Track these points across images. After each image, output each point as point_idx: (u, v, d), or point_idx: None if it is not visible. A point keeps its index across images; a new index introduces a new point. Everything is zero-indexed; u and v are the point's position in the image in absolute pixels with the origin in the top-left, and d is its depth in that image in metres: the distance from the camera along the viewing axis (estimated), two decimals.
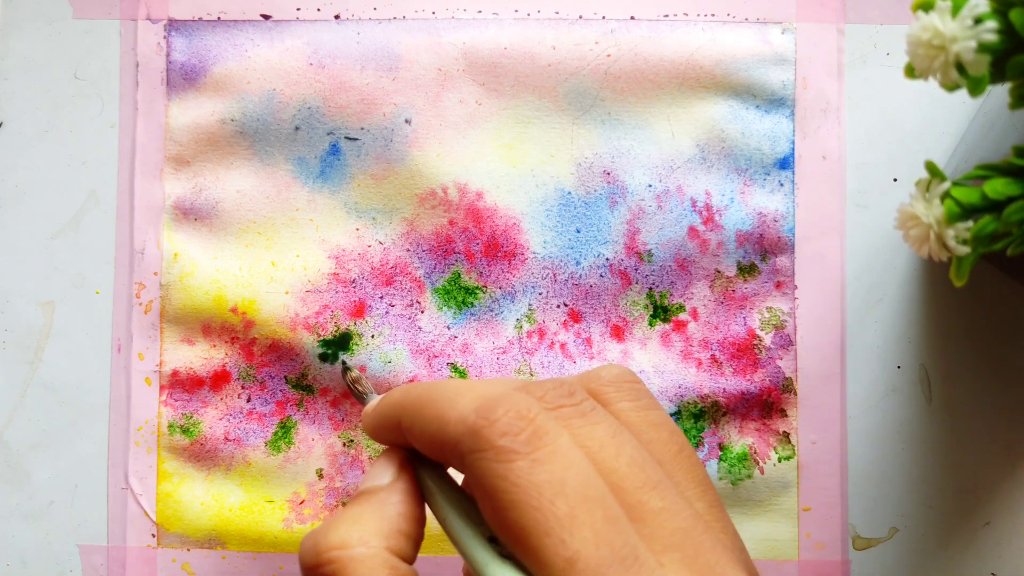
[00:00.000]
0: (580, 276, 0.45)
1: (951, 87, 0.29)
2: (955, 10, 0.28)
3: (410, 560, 0.28)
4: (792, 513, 0.45)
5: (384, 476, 0.29)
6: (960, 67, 0.29)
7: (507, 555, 0.26)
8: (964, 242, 0.30)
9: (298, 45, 0.46)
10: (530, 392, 0.27)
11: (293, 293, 0.45)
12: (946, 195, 0.30)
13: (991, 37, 0.28)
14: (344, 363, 0.45)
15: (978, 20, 0.28)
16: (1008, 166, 0.30)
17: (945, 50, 0.29)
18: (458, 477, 0.29)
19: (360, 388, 0.38)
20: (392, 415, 0.29)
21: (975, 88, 0.29)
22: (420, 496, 0.29)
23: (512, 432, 0.25)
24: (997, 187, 0.30)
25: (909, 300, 0.45)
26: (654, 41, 0.45)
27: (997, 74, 0.29)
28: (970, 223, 0.30)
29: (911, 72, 0.31)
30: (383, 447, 0.39)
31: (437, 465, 0.30)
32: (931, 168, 0.31)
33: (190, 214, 0.46)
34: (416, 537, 0.28)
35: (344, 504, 0.29)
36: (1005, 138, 0.37)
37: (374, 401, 0.32)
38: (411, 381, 0.45)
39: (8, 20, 0.46)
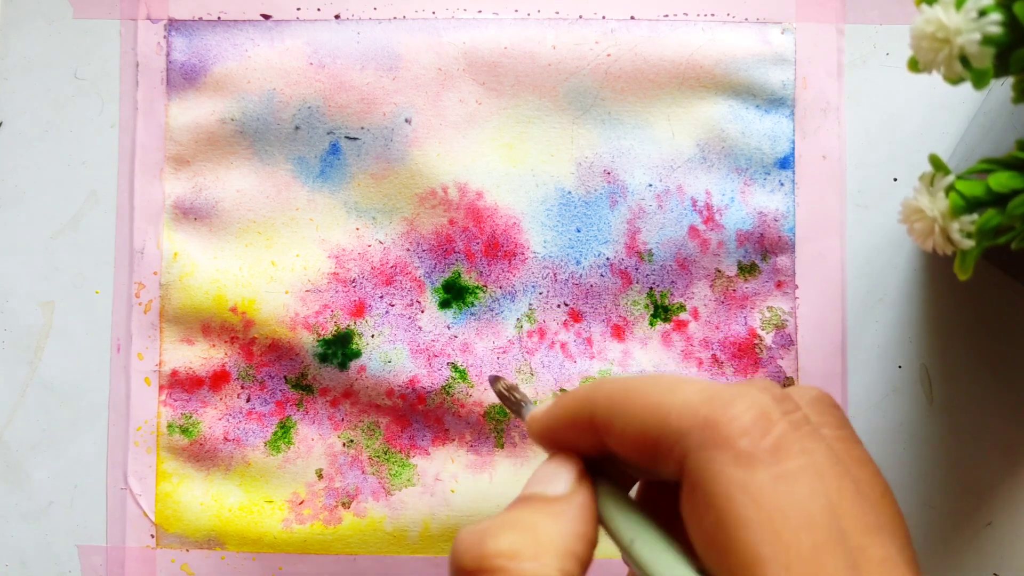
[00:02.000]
0: (580, 276, 0.45)
1: (955, 80, 0.29)
2: (959, 3, 0.29)
3: None
4: None
5: (559, 484, 0.25)
6: (964, 60, 0.29)
7: None
8: (968, 235, 0.30)
9: (298, 45, 0.46)
10: (758, 389, 0.23)
11: (293, 293, 0.45)
12: (951, 188, 0.30)
13: (995, 30, 0.28)
14: (494, 376, 0.42)
15: (982, 13, 0.28)
16: (1012, 160, 0.30)
17: (949, 43, 0.29)
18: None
19: (517, 396, 0.34)
20: (582, 411, 0.26)
21: (979, 81, 0.29)
22: (596, 513, 0.26)
23: (754, 434, 0.21)
24: (1001, 180, 0.30)
25: (910, 300, 0.45)
26: (654, 41, 0.45)
27: (1001, 67, 0.29)
28: (975, 216, 0.30)
29: (915, 66, 0.31)
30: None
31: (617, 481, 0.26)
32: (935, 161, 0.31)
33: (190, 214, 0.46)
34: (587, 563, 0.24)
35: (509, 507, 0.26)
36: (1006, 136, 0.37)
37: (546, 403, 0.29)
38: (411, 381, 0.45)
39: (8, 20, 0.46)
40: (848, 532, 0.21)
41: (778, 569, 0.20)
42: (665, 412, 0.23)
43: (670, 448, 0.23)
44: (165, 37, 0.46)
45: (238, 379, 0.45)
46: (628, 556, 0.25)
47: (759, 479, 0.21)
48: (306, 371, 0.45)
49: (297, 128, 0.45)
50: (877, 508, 0.23)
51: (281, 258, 0.45)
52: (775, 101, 0.45)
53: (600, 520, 0.26)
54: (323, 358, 0.45)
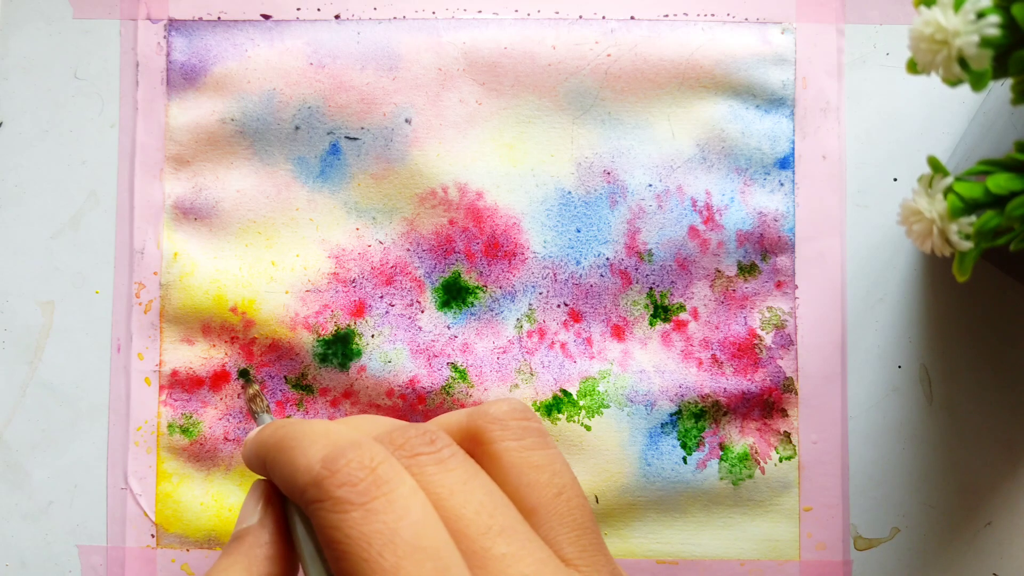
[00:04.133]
0: (580, 276, 0.45)
1: (953, 82, 0.29)
2: (957, 5, 0.28)
3: None
4: (793, 513, 0.45)
5: (253, 515, 0.29)
6: (962, 62, 0.29)
7: None
8: (967, 237, 0.30)
9: (298, 45, 0.46)
10: (392, 439, 0.27)
11: (293, 293, 0.45)
12: (949, 190, 0.30)
13: (993, 32, 0.28)
14: (247, 373, 0.44)
15: (980, 15, 0.28)
16: (1011, 161, 0.30)
17: (948, 45, 0.29)
18: None
19: (255, 407, 0.37)
20: (258, 454, 0.29)
21: (977, 83, 0.29)
22: (287, 533, 0.29)
23: (350, 482, 0.25)
24: (1000, 182, 0.30)
25: (910, 300, 0.45)
26: (654, 41, 0.45)
27: (999, 69, 0.29)
28: (973, 218, 0.30)
29: (913, 67, 0.31)
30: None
31: None
32: (934, 163, 0.31)
33: (190, 214, 0.46)
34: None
35: (223, 548, 0.30)
36: (1005, 137, 0.37)
37: (255, 431, 0.32)
38: (411, 381, 0.45)
39: (8, 20, 0.46)
40: (470, 537, 0.25)
41: None
42: (295, 470, 0.26)
43: (300, 501, 0.26)
44: (165, 37, 0.46)
45: (238, 379, 0.45)
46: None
47: (351, 517, 0.24)
48: (306, 371, 0.45)
49: (297, 128, 0.45)
50: (544, 509, 0.27)
51: (281, 258, 0.46)
52: (775, 101, 0.45)
53: (291, 535, 0.29)
54: (323, 358, 0.45)
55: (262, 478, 0.31)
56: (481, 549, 0.25)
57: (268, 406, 0.37)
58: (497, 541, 0.25)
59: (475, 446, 0.29)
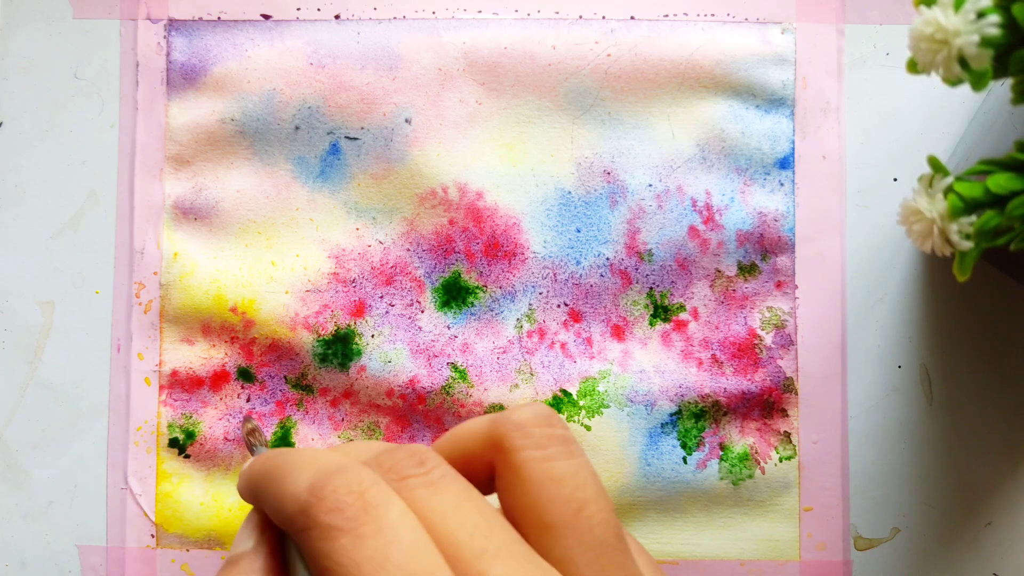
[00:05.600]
0: (580, 276, 0.45)
1: (953, 82, 0.29)
2: (958, 5, 0.28)
3: None
4: (793, 513, 0.45)
5: (248, 540, 0.28)
6: (963, 62, 0.29)
7: None
8: (967, 237, 0.30)
9: (298, 45, 0.46)
10: (380, 463, 0.26)
11: (293, 293, 0.45)
12: (949, 190, 0.30)
13: (994, 31, 0.28)
14: (247, 416, 0.44)
15: (981, 14, 0.28)
16: (1011, 161, 0.30)
17: (948, 44, 0.29)
18: None
19: (253, 441, 0.36)
20: (249, 485, 0.29)
21: (978, 82, 0.29)
22: (282, 560, 0.28)
23: (338, 508, 0.24)
24: (1000, 182, 0.30)
25: (910, 300, 0.45)
26: (654, 41, 0.45)
27: (1000, 68, 0.29)
28: (973, 218, 0.30)
29: (913, 67, 0.31)
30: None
31: None
32: (934, 163, 0.31)
33: (190, 214, 0.46)
34: None
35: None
36: (1005, 137, 0.37)
37: (248, 463, 0.31)
38: (411, 381, 0.45)
39: (8, 20, 0.46)
40: (464, 560, 0.24)
41: None
42: (283, 499, 0.26)
43: (290, 530, 0.25)
44: (165, 37, 0.46)
45: (238, 379, 0.45)
46: None
47: (340, 545, 0.24)
48: (306, 371, 0.45)
49: (297, 128, 0.45)
50: (561, 527, 0.26)
51: (281, 258, 0.46)
52: (775, 101, 0.45)
53: (287, 563, 0.28)
54: (323, 358, 0.45)
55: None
56: (477, 573, 0.24)
57: (266, 440, 0.37)
58: (493, 564, 0.24)
59: (497, 454, 0.28)
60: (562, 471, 0.27)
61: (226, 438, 0.45)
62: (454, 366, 0.45)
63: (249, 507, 0.38)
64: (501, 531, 0.25)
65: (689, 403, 0.45)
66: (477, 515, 0.25)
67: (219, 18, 0.46)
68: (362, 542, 0.24)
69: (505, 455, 0.27)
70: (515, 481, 0.27)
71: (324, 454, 0.27)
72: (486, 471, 0.28)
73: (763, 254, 0.45)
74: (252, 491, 0.29)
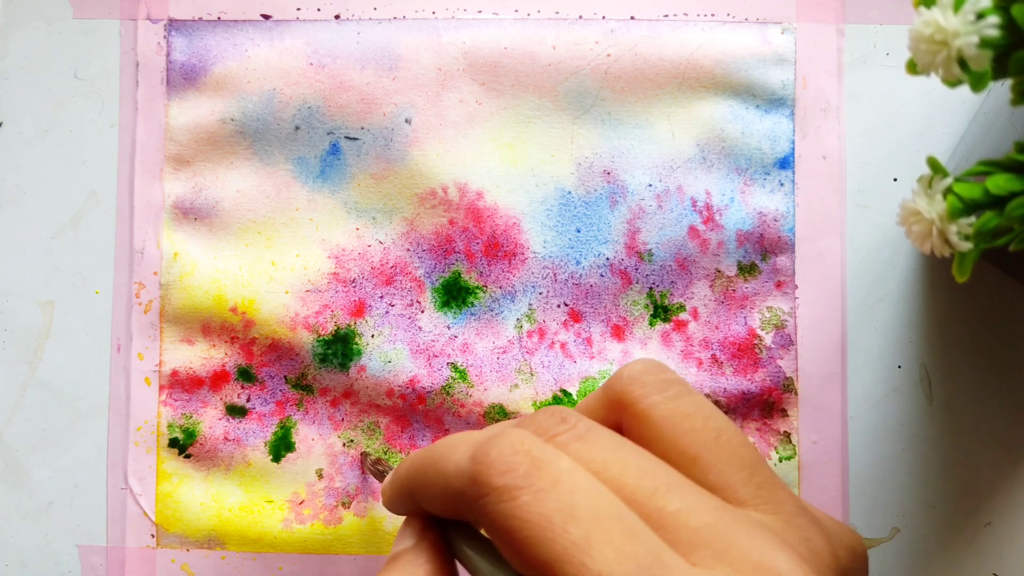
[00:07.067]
0: (580, 276, 0.45)
1: (953, 83, 0.29)
2: (957, 5, 0.28)
3: None
4: None
5: (408, 540, 0.29)
6: (962, 63, 0.29)
7: None
8: (966, 238, 0.30)
9: (298, 45, 0.46)
10: (523, 426, 0.26)
11: (293, 293, 0.45)
12: (948, 191, 0.30)
13: (993, 32, 0.28)
14: (365, 452, 0.44)
15: (980, 15, 0.28)
16: (1010, 162, 0.30)
17: (947, 45, 0.29)
18: None
19: (381, 468, 0.37)
20: (403, 487, 0.29)
21: (977, 84, 0.29)
22: (447, 555, 0.28)
23: (509, 469, 0.24)
24: (999, 183, 0.29)
25: (909, 300, 0.45)
26: (654, 41, 0.45)
27: (999, 70, 0.29)
28: (972, 219, 0.30)
29: (913, 68, 0.31)
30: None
31: (463, 523, 0.29)
32: (933, 164, 0.31)
33: (190, 214, 0.46)
34: None
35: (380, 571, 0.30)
36: (1005, 137, 0.37)
37: (390, 475, 0.31)
38: (411, 381, 0.45)
39: (8, 20, 0.46)
40: (639, 502, 0.24)
41: (561, 564, 0.23)
42: (446, 479, 0.26)
43: (461, 506, 0.25)
44: (165, 37, 0.46)
45: (238, 379, 0.45)
46: None
47: (523, 502, 0.23)
48: (306, 371, 0.45)
49: (297, 128, 0.45)
50: (707, 456, 0.26)
51: (281, 258, 0.46)
52: (775, 101, 0.45)
53: (458, 559, 0.29)
54: (323, 358, 0.45)
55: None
56: (655, 510, 0.24)
57: (390, 465, 0.38)
58: (668, 498, 0.24)
59: (620, 412, 0.28)
60: (689, 406, 0.27)
61: (226, 438, 0.45)
62: (454, 366, 0.45)
63: None
64: (663, 469, 0.25)
65: None
66: (637, 458, 0.25)
67: (219, 18, 0.46)
68: (544, 495, 0.23)
69: (631, 408, 0.27)
70: (649, 428, 0.27)
71: (470, 432, 0.27)
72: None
73: (763, 254, 0.45)
74: (407, 489, 0.29)
